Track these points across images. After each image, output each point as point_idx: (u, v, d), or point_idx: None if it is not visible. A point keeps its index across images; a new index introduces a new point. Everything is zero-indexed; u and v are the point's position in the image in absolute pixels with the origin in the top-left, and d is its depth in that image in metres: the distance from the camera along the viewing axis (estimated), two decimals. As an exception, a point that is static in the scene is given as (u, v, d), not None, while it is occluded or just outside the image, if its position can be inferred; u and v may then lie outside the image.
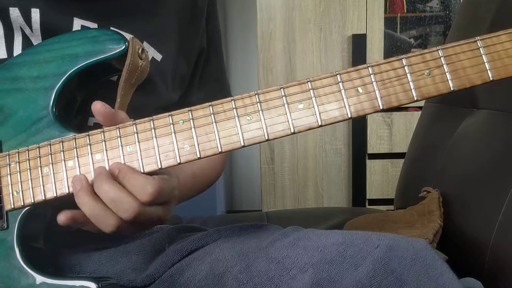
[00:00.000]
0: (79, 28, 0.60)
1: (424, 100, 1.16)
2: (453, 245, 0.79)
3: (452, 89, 0.45)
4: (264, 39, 2.02)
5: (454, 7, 2.19)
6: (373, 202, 2.04)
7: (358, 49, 1.97)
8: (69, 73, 0.54)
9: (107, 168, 0.48)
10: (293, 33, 2.01)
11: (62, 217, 0.48)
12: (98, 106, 0.49)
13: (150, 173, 0.49)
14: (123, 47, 0.54)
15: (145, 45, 0.65)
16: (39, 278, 0.50)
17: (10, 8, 0.58)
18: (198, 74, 0.77)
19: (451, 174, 0.90)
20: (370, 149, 2.00)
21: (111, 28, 0.62)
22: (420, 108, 1.66)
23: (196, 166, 0.72)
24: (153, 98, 0.68)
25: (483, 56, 0.44)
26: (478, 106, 0.90)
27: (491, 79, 0.44)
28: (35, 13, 0.58)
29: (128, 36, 0.56)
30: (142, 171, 0.48)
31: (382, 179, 2.02)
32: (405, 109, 1.94)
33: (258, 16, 2.01)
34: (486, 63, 0.44)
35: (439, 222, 0.80)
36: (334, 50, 2.01)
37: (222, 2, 2.62)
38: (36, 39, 0.59)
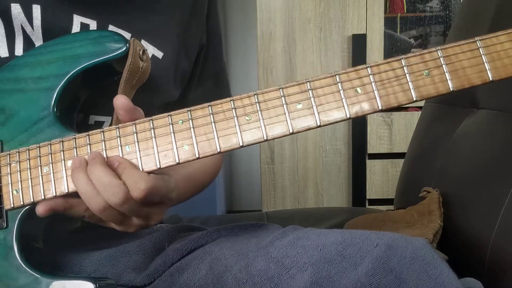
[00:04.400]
0: (79, 25, 0.60)
1: (424, 100, 1.17)
2: (453, 245, 0.79)
3: (451, 89, 0.45)
4: (264, 39, 2.02)
5: (454, 7, 2.19)
6: (373, 202, 2.04)
7: (358, 49, 1.97)
8: (70, 73, 0.54)
9: (106, 158, 0.49)
10: (293, 33, 2.01)
11: (40, 208, 0.49)
12: (120, 100, 0.49)
13: (150, 173, 0.49)
14: (124, 48, 0.55)
15: (144, 43, 0.65)
16: (38, 278, 0.50)
17: (12, 5, 0.58)
18: (197, 71, 0.77)
19: (451, 174, 0.90)
20: (370, 149, 2.00)
21: (110, 25, 0.62)
22: (420, 108, 1.66)
23: (192, 168, 0.72)
24: (156, 96, 0.68)
25: (483, 56, 0.44)
26: (478, 106, 0.90)
27: (490, 79, 0.44)
28: (36, 9, 0.58)
29: (128, 35, 0.55)
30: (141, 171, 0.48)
31: (382, 179, 2.02)
32: (405, 109, 1.94)
33: (258, 16, 2.01)
34: (485, 64, 0.44)
35: (439, 222, 0.80)
36: (334, 50, 2.01)
37: (222, 2, 2.62)
38: (36, 37, 0.59)
